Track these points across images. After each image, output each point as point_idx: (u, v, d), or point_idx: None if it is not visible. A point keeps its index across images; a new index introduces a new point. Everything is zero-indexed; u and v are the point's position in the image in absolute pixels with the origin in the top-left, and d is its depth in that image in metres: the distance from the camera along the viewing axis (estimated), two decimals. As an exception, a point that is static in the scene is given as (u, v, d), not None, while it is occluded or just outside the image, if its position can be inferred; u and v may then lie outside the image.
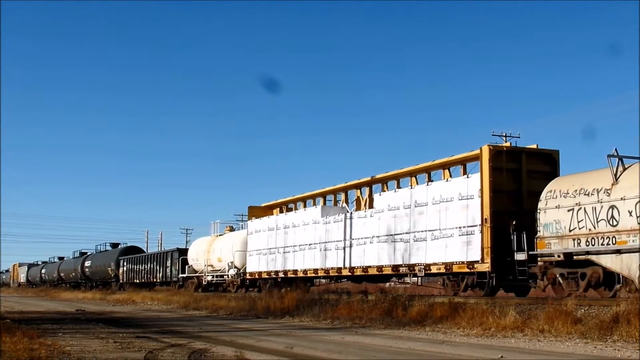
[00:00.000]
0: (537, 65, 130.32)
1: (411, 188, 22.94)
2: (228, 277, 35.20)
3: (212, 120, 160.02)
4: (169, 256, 45.07)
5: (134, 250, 58.24)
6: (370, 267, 24.06)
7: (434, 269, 21.15)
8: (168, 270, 44.58)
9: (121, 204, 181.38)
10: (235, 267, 34.66)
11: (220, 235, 39.34)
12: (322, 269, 26.99)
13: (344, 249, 25.46)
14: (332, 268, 26.40)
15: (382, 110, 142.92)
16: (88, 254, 68.01)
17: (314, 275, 28.14)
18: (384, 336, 14.08)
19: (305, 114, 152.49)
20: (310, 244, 28.07)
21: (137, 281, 50.16)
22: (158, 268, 46.33)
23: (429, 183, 22.26)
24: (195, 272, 40.13)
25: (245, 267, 33.88)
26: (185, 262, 41.41)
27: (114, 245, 63.48)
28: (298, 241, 29.10)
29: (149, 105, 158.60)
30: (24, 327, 15.58)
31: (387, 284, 31.03)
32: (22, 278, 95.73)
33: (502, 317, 14.21)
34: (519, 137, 55.66)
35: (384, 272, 23.62)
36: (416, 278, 22.97)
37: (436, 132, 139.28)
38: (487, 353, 10.91)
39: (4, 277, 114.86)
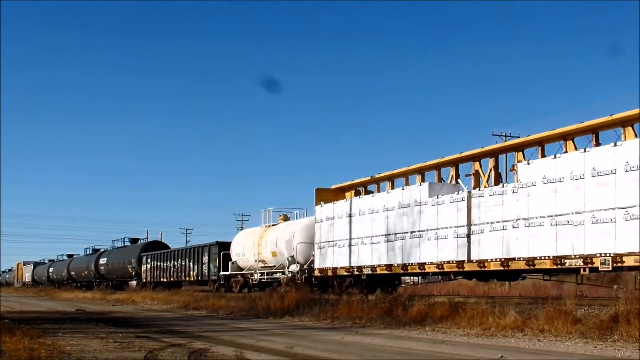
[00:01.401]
0: (537, 65, 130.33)
1: (585, 151, 16.89)
2: (288, 274, 29.06)
3: (212, 120, 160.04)
4: (206, 251, 38.24)
5: (158, 245, 51.53)
6: (513, 259, 18.21)
7: (629, 261, 15.30)
8: (205, 267, 37.99)
9: (120, 204, 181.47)
10: (298, 262, 28.49)
11: (273, 225, 32.56)
12: (431, 263, 21.20)
13: (468, 236, 19.76)
14: (447, 262, 20.37)
15: (381, 110, 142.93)
16: (103, 250, 61.76)
17: (418, 271, 22.19)
18: (384, 336, 14.08)
19: (305, 113, 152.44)
20: (412, 232, 21.85)
21: (164, 280, 44.19)
22: (192, 265, 39.79)
23: (618, 143, 16.11)
24: (241, 269, 34.00)
25: (312, 262, 27.67)
26: (227, 257, 35.10)
27: (134, 241, 57.03)
28: (392, 228, 22.79)
29: (148, 104, 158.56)
30: (24, 326, 15.58)
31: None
32: (27, 277, 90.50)
33: (502, 317, 14.21)
34: (518, 137, 55.80)
35: (536, 267, 17.80)
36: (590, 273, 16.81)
37: (436, 132, 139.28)
38: (487, 353, 10.91)
39: (7, 276, 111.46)
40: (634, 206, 15.16)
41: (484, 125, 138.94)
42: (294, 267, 28.56)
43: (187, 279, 40.57)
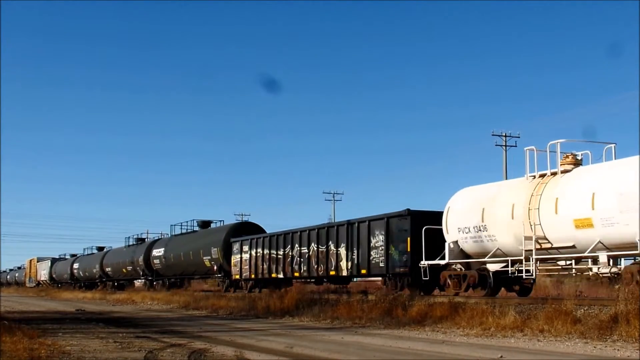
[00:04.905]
0: (537, 64, 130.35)
1: None
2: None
3: (212, 120, 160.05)
4: (380, 226, 22.98)
5: (251, 228, 36.31)
6: None
7: None
8: (376, 253, 23.10)
9: (118, 204, 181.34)
10: None
11: (564, 172, 17.55)
12: None
13: None
14: None
15: (380, 110, 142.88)
16: (156, 239, 48.87)
17: None
18: (384, 336, 14.10)
19: (305, 113, 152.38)
20: None
21: (278, 275, 29.47)
22: (342, 251, 25.07)
23: None
24: (467, 255, 19.99)
25: None
26: (433, 236, 20.63)
27: (204, 224, 42.34)
28: None
29: (148, 104, 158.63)
30: (24, 327, 15.60)
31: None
32: (44, 275, 79.08)
33: (502, 317, 14.23)
34: (518, 137, 55.71)
35: None
36: None
37: (436, 132, 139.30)
38: (486, 353, 10.93)
39: (16, 274, 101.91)
40: None
41: (484, 125, 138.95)
42: None
43: (332, 272, 25.79)
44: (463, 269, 20.35)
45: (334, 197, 75.78)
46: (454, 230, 20.17)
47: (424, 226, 20.85)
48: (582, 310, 13.71)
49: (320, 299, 21.70)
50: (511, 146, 52.48)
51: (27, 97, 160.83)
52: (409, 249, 21.56)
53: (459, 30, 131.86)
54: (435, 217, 21.19)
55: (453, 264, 20.46)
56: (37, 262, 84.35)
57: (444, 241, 20.34)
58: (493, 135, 52.68)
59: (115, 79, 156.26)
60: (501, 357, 10.35)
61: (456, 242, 20.09)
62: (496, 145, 52.78)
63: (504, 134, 52.71)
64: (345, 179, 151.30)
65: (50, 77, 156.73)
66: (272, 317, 20.76)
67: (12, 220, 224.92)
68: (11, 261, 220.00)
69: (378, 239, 23.17)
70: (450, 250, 20.12)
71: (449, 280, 20.45)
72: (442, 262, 20.32)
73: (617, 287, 16.04)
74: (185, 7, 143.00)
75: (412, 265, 21.30)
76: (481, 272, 19.64)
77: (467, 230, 19.69)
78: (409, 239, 21.58)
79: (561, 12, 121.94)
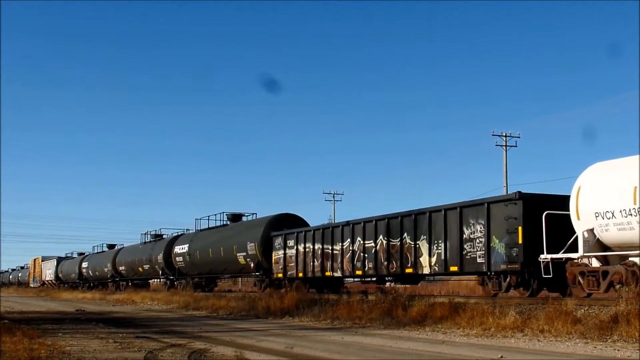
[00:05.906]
0: (537, 65, 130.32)
1: None
2: None
3: (212, 120, 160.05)
4: (480, 214, 19.04)
5: (292, 220, 31.70)
6: None
7: None
8: (472, 246, 19.19)
9: (118, 204, 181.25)
10: None
11: None
12: None
13: None
14: None
15: (380, 110, 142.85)
16: (178, 234, 44.08)
17: None
18: (384, 336, 14.09)
19: (305, 113, 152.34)
20: None
21: (334, 274, 25.68)
22: (423, 245, 20.99)
23: None
24: (603, 247, 16.26)
25: None
26: (551, 224, 16.92)
27: (236, 218, 38.06)
28: None
29: (148, 104, 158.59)
30: (24, 327, 15.62)
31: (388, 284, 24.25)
32: (49, 275, 75.62)
33: (502, 317, 14.23)
34: (518, 137, 55.55)
35: None
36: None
37: (436, 132, 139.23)
38: (487, 353, 10.92)
39: (19, 274, 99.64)
40: None
41: (484, 125, 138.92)
42: None
43: (408, 270, 21.66)
44: (600, 263, 16.34)
45: (334, 197, 75.59)
46: (589, 216, 16.22)
47: (543, 212, 17.06)
48: (583, 310, 13.70)
49: (320, 299, 21.71)
50: (511, 146, 52.41)
51: (27, 97, 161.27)
52: (520, 241, 17.66)
53: (459, 30, 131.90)
54: (554, 201, 17.68)
55: (586, 258, 16.47)
56: (42, 261, 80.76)
57: (567, 230, 16.66)
58: (493, 135, 52.64)
59: (115, 79, 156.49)
60: (501, 357, 10.35)
61: (592, 230, 16.21)
62: (496, 145, 52.73)
63: (504, 134, 52.65)
64: (345, 179, 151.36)
65: (50, 77, 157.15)
66: (272, 317, 20.76)
67: (13, 220, 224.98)
68: (11, 262, 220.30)
69: (474, 230, 19.22)
70: (584, 240, 16.23)
71: (580, 278, 16.44)
72: (575, 255, 16.37)
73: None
74: (185, 7, 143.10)
75: (525, 260, 17.55)
76: (630, 268, 15.56)
77: (609, 215, 15.79)
78: (520, 228, 17.69)
79: (561, 12, 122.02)
